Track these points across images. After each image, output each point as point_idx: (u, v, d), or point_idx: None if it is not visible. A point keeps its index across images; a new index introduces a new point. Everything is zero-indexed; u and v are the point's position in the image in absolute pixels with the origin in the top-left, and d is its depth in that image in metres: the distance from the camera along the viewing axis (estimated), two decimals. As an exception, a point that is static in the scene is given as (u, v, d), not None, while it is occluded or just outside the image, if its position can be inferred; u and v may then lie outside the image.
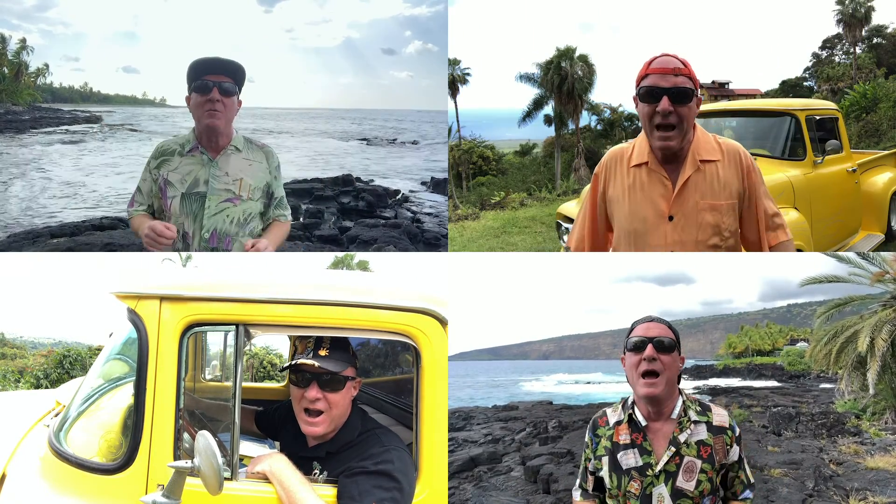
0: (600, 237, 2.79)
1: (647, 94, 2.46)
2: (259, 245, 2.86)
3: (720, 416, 1.97)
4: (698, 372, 44.18)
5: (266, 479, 1.94)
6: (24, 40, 42.04)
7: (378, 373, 3.18)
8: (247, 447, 2.27)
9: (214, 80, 2.85)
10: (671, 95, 2.41)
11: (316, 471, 2.03)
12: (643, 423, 1.96)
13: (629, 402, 2.03)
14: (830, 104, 6.96)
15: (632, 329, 2.03)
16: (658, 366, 1.92)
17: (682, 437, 1.91)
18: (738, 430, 1.98)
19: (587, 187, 2.99)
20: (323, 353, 2.08)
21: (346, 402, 2.11)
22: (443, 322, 2.07)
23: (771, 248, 2.63)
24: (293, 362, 2.09)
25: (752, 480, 2.02)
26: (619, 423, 2.01)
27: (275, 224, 3.14)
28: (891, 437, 8.77)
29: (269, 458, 1.99)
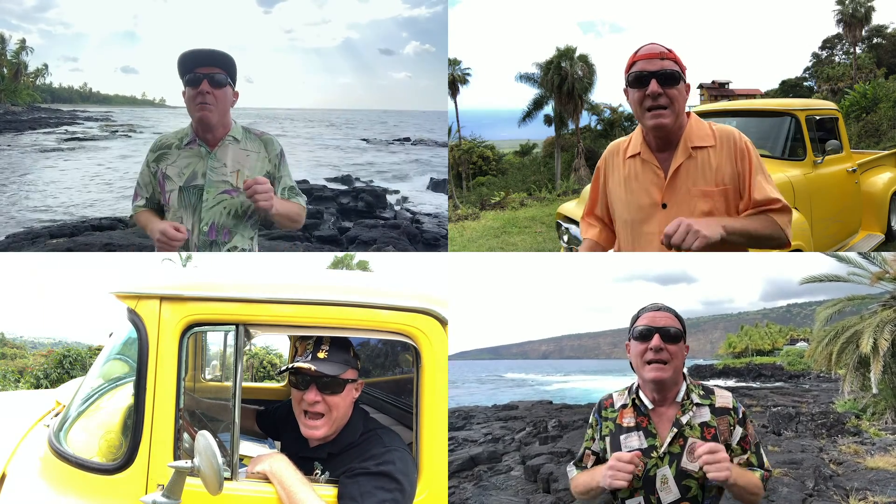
0: (605, 221, 2.86)
1: (635, 80, 2.50)
2: (260, 179, 2.75)
3: (723, 397, 1.99)
4: (698, 372, 44.12)
5: (266, 479, 1.94)
6: (23, 41, 42.11)
7: (378, 373, 3.17)
8: (247, 447, 2.26)
9: (204, 73, 2.82)
10: (659, 78, 2.46)
11: (317, 471, 2.03)
12: (649, 406, 1.98)
13: (634, 387, 2.05)
14: (830, 104, 6.96)
15: (638, 316, 2.04)
16: (665, 355, 1.94)
17: (684, 419, 1.93)
18: (742, 412, 1.98)
19: (588, 186, 3.02)
20: (322, 355, 2.06)
21: (346, 405, 2.10)
22: (443, 322, 2.06)
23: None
24: (291, 365, 2.08)
25: (767, 465, 1.97)
26: (623, 406, 2.03)
27: (287, 200, 3.02)
28: (891, 437, 8.77)
29: (269, 458, 1.99)
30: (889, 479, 6.18)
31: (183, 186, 2.90)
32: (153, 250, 3.02)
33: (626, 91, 2.58)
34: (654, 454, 1.92)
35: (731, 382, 34.85)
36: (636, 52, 2.54)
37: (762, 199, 2.46)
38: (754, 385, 30.43)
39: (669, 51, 2.52)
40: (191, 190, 2.90)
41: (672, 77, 2.47)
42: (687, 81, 2.54)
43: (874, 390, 10.01)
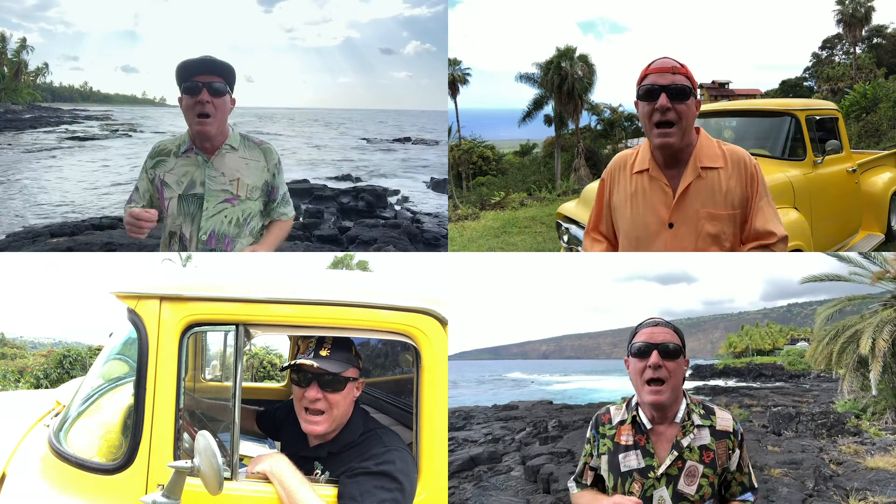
0: (610, 236, 2.83)
1: (646, 93, 2.50)
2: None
3: (724, 420, 1.96)
4: (699, 372, 44.11)
5: (266, 479, 1.94)
6: (24, 39, 42.10)
7: (378, 373, 3.18)
8: (247, 447, 2.27)
9: (204, 81, 2.80)
10: (669, 93, 2.45)
11: (317, 471, 2.03)
12: (647, 425, 1.95)
13: (633, 402, 2.02)
14: (830, 104, 6.95)
15: (636, 332, 2.01)
16: (663, 373, 1.91)
17: (685, 442, 1.91)
18: (741, 435, 1.97)
19: (588, 186, 3.01)
20: (324, 353, 2.07)
21: (347, 403, 2.11)
22: (443, 322, 2.06)
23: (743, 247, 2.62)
24: (294, 362, 2.09)
25: (756, 484, 1.98)
26: (622, 422, 2.00)
27: (274, 225, 3.10)
28: (891, 436, 8.77)
29: (269, 457, 1.99)
30: (889, 479, 6.18)
31: (182, 195, 2.89)
32: (153, 250, 3.02)
33: (636, 104, 2.57)
34: (652, 474, 1.89)
35: (731, 382, 34.81)
36: (648, 66, 2.54)
37: (762, 230, 2.52)
38: (755, 385, 30.40)
39: (682, 66, 2.51)
40: (190, 199, 2.89)
41: (682, 92, 2.46)
42: (698, 98, 2.52)
43: (873, 391, 10.01)
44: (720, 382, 34.86)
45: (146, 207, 3.01)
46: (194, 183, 2.90)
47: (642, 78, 2.53)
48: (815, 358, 11.75)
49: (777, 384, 30.47)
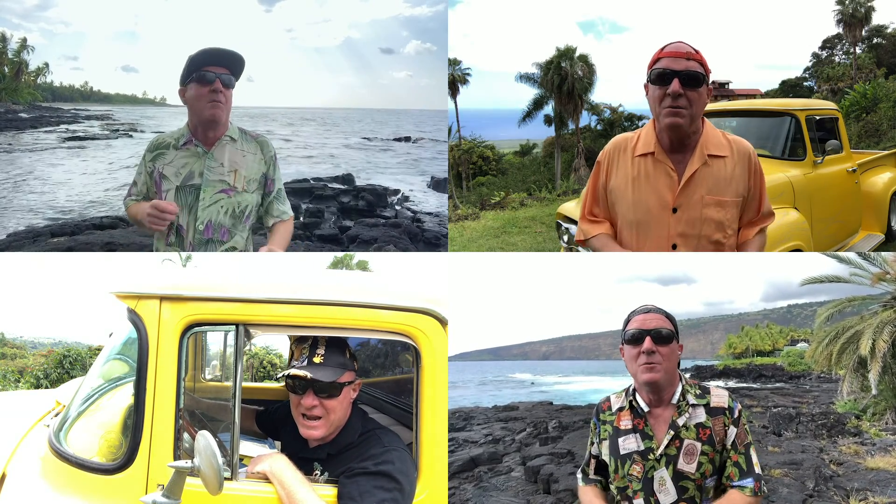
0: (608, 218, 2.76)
1: (658, 77, 2.45)
2: (273, 248, 2.92)
3: (719, 397, 1.97)
4: (699, 373, 44.08)
5: (266, 479, 1.94)
6: (24, 39, 42.17)
7: (378, 373, 3.17)
8: (247, 447, 2.27)
9: (217, 72, 2.83)
10: (682, 78, 2.41)
11: (317, 471, 2.03)
12: (645, 408, 1.98)
13: (631, 389, 2.05)
14: (830, 104, 6.95)
15: (629, 320, 2.04)
16: (657, 358, 1.94)
17: (680, 421, 1.93)
18: (737, 411, 1.95)
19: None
20: (317, 360, 2.07)
21: (344, 406, 2.10)
22: (443, 322, 2.06)
23: (739, 247, 2.65)
24: (287, 372, 2.07)
25: (758, 471, 1.91)
26: (621, 409, 2.04)
27: (278, 227, 3.10)
28: (891, 437, 8.76)
29: (269, 458, 1.99)
30: (889, 480, 6.18)
31: (180, 186, 2.90)
32: (153, 250, 3.02)
33: (646, 87, 2.52)
34: (651, 456, 1.92)
35: (731, 383, 34.81)
36: (662, 49, 2.49)
37: (766, 211, 2.64)
38: (755, 386, 30.39)
39: (696, 52, 2.47)
40: (187, 189, 2.90)
41: (695, 79, 2.42)
42: (709, 85, 2.49)
43: (873, 391, 10.01)
44: (720, 383, 34.86)
45: (144, 198, 3.02)
46: (193, 174, 2.91)
47: (655, 61, 2.48)
48: (815, 359, 11.75)
49: (777, 385, 30.44)
